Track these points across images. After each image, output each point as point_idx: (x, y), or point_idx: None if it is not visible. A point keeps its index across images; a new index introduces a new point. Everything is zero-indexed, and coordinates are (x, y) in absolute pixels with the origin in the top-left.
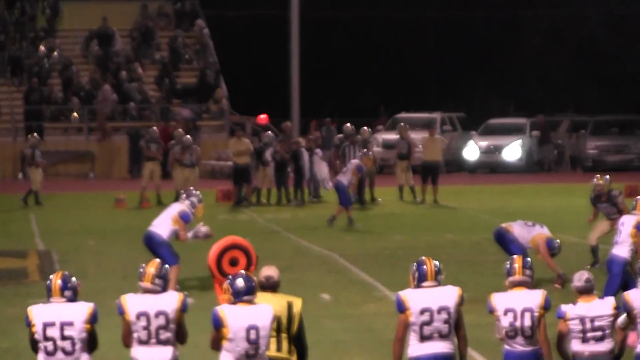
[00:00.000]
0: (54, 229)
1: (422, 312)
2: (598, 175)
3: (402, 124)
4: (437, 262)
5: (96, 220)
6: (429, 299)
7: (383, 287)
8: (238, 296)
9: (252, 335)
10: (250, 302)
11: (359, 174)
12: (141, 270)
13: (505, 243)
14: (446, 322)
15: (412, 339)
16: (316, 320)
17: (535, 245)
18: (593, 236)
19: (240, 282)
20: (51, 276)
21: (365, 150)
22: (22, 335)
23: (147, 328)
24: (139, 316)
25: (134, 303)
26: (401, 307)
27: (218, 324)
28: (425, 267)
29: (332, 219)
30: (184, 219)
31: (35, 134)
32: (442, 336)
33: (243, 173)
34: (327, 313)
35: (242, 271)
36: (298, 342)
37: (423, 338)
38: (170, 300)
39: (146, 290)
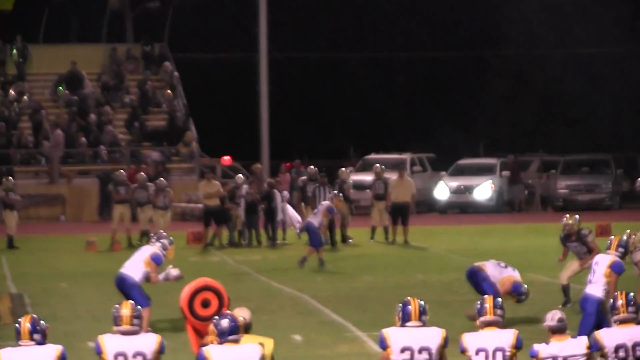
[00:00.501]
0: (26, 272)
1: (403, 350)
2: (567, 215)
3: (377, 164)
4: (422, 303)
5: (67, 263)
6: (411, 338)
7: (354, 327)
8: (223, 336)
9: None
10: (236, 341)
11: (329, 215)
12: (115, 313)
13: (478, 281)
14: None
15: None
16: None
17: (501, 285)
18: (564, 275)
19: (225, 323)
20: (20, 319)
21: (335, 192)
22: None
23: None
24: (116, 356)
25: (111, 343)
26: (383, 344)
27: None
28: (409, 307)
29: (302, 260)
30: (156, 261)
31: (10, 178)
32: None
33: (213, 215)
34: (298, 354)
35: (228, 311)
36: None
37: None
38: (148, 342)
39: (124, 333)
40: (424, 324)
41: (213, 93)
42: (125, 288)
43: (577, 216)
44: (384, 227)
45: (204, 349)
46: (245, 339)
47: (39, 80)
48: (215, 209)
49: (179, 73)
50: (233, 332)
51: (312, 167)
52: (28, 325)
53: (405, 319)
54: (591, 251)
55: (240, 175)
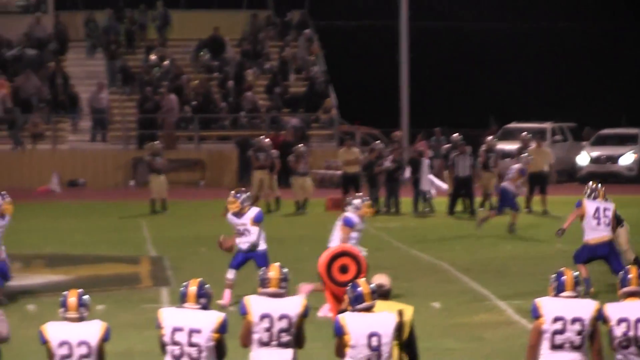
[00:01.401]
0: (166, 236)
1: (555, 320)
2: None
3: (525, 133)
4: (576, 274)
5: (207, 227)
6: (563, 309)
7: (493, 296)
8: (357, 303)
9: (374, 342)
10: (370, 309)
11: (522, 176)
12: (263, 275)
13: (613, 255)
14: (579, 333)
15: (544, 347)
16: (426, 329)
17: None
18: None
19: (359, 290)
20: (185, 283)
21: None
22: (135, 340)
23: (269, 330)
24: (262, 318)
25: (258, 304)
26: (535, 313)
27: (340, 331)
28: (564, 277)
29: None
30: (347, 224)
31: (157, 142)
32: (574, 347)
33: (352, 181)
34: (437, 322)
35: (363, 279)
36: (409, 349)
37: (554, 347)
38: (294, 305)
39: (271, 295)
40: (578, 295)
41: (353, 60)
42: None
43: None
44: (525, 197)
45: (340, 315)
46: (383, 305)
47: (180, 46)
48: (354, 176)
49: (320, 40)
50: (367, 300)
51: (456, 134)
52: (195, 288)
53: (559, 289)
54: None
55: (379, 142)
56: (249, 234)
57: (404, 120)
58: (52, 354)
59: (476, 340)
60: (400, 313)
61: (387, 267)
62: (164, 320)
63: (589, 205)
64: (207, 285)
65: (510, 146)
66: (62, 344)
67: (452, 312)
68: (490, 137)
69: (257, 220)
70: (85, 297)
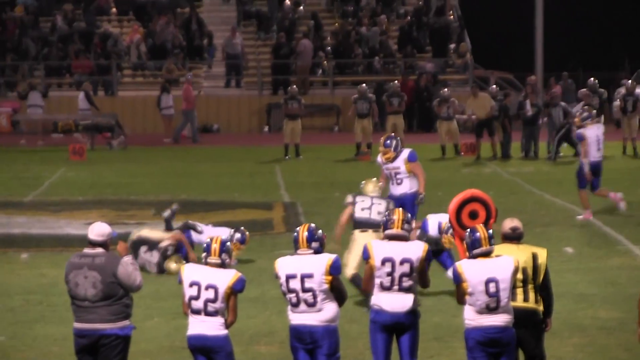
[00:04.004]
0: (299, 181)
1: None
2: None
3: None
4: None
5: (341, 172)
6: None
7: (627, 241)
8: (473, 249)
9: (492, 288)
10: (488, 254)
11: None
12: (387, 217)
13: None
14: None
15: None
16: (560, 274)
17: None
18: None
19: (477, 235)
20: (298, 228)
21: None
22: (269, 286)
23: (391, 274)
24: (384, 262)
25: (380, 249)
26: None
27: (457, 279)
28: None
29: None
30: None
31: (294, 86)
32: None
33: (485, 126)
34: (570, 267)
35: (479, 225)
36: (544, 292)
37: None
38: (415, 249)
39: (393, 237)
40: None
41: (488, 4)
42: None
43: None
44: None
45: (457, 263)
46: (516, 249)
47: None
48: (487, 121)
49: None
50: (484, 244)
51: (592, 79)
52: (306, 233)
53: None
54: None
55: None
56: (401, 176)
57: (539, 64)
58: (184, 293)
59: (609, 284)
60: (535, 256)
61: (520, 212)
62: (278, 269)
63: None
64: (319, 230)
65: None
66: (193, 284)
67: (585, 256)
68: (628, 81)
69: (411, 160)
70: (228, 244)
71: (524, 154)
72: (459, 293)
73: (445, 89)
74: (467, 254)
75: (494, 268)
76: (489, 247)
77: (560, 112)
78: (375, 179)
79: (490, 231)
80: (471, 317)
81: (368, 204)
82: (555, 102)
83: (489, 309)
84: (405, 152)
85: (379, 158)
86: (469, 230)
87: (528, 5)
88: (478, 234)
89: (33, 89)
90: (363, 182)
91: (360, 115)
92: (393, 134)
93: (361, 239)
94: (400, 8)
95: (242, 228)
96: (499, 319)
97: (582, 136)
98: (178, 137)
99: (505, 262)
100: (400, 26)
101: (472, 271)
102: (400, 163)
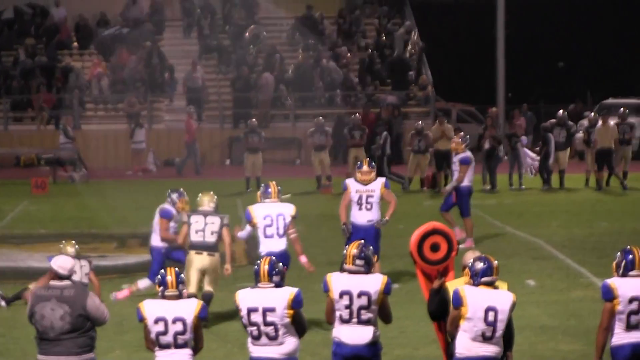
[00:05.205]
0: None
1: (631, 301)
2: None
3: (622, 108)
4: None
5: (302, 205)
6: (637, 288)
7: (589, 273)
8: (477, 278)
9: (490, 316)
10: (491, 284)
11: None
12: (345, 253)
13: None
14: None
15: (617, 327)
16: (521, 306)
17: None
18: None
19: (479, 264)
20: (258, 261)
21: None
22: (231, 319)
23: (349, 307)
24: (341, 295)
25: (338, 281)
26: (608, 295)
27: (458, 303)
28: (632, 256)
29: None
30: (164, 215)
31: (253, 120)
32: None
33: (444, 158)
34: (532, 299)
35: (483, 255)
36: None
37: (629, 327)
38: (373, 282)
39: (350, 272)
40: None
41: (449, 37)
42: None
43: None
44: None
45: (459, 287)
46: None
47: (275, 24)
48: (445, 152)
49: (415, 17)
50: (487, 274)
51: (561, 111)
52: (267, 267)
53: (627, 268)
54: None
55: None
56: (373, 200)
57: (500, 96)
58: (149, 330)
59: (571, 317)
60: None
61: (482, 244)
62: (240, 301)
63: None
64: (280, 264)
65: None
66: (158, 320)
67: (547, 289)
68: (591, 113)
69: (387, 187)
70: (183, 275)
71: (483, 186)
72: (454, 318)
73: (420, 122)
74: (471, 280)
75: (495, 298)
76: (495, 277)
77: (523, 144)
78: (211, 192)
79: (496, 262)
80: (465, 345)
81: (202, 226)
82: (518, 134)
83: (484, 338)
84: (382, 179)
85: (350, 181)
86: (477, 258)
87: (489, 38)
88: (488, 263)
89: None
90: (200, 194)
91: (317, 149)
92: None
93: (197, 261)
94: (361, 41)
95: (176, 190)
96: (492, 350)
97: (470, 160)
98: (181, 169)
99: (506, 295)
100: (361, 59)
101: (474, 297)
102: (377, 187)
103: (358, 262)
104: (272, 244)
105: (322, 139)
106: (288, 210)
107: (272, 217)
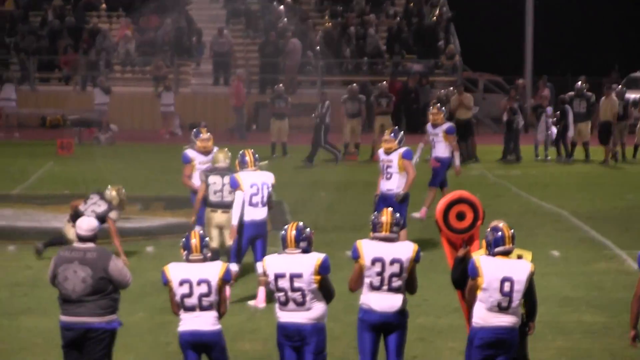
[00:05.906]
0: (285, 181)
1: None
2: None
3: None
4: None
5: (327, 172)
6: None
7: (613, 245)
8: (492, 248)
9: (506, 287)
10: (508, 253)
11: None
12: (375, 220)
13: None
14: None
15: None
16: (545, 277)
17: None
18: None
19: (492, 234)
20: (285, 227)
21: None
22: (254, 284)
23: (380, 274)
24: (374, 262)
25: (370, 248)
26: None
27: (474, 273)
28: None
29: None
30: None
31: (281, 85)
32: None
33: (465, 128)
34: (556, 270)
35: (500, 224)
36: (527, 296)
37: None
38: (405, 249)
39: (382, 239)
40: None
41: (478, 6)
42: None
43: None
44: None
45: (475, 258)
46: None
47: None
48: (465, 122)
49: None
50: (507, 243)
51: (579, 82)
52: (294, 232)
53: None
54: None
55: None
56: (392, 171)
57: (528, 68)
58: (174, 293)
59: (595, 289)
60: (519, 258)
61: (507, 215)
62: (267, 267)
63: None
64: (307, 229)
65: (635, 95)
66: (183, 282)
67: (571, 260)
68: (618, 86)
69: (405, 157)
70: (207, 238)
71: (508, 156)
72: (471, 288)
73: (442, 90)
74: (487, 250)
75: (511, 268)
76: (510, 246)
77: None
78: (226, 149)
79: (512, 231)
80: (481, 315)
81: (219, 186)
82: (543, 105)
83: (500, 308)
84: (402, 149)
85: (381, 150)
86: (491, 228)
87: (519, 9)
88: (501, 232)
89: (8, 82)
90: (215, 149)
91: (349, 116)
92: (397, 127)
93: (214, 218)
94: (389, 9)
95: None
96: (508, 320)
97: (454, 129)
98: (243, 133)
99: (523, 265)
100: (389, 27)
101: (490, 267)
102: (395, 157)
103: (395, 229)
104: (256, 213)
105: (356, 106)
106: (270, 179)
107: (257, 185)
